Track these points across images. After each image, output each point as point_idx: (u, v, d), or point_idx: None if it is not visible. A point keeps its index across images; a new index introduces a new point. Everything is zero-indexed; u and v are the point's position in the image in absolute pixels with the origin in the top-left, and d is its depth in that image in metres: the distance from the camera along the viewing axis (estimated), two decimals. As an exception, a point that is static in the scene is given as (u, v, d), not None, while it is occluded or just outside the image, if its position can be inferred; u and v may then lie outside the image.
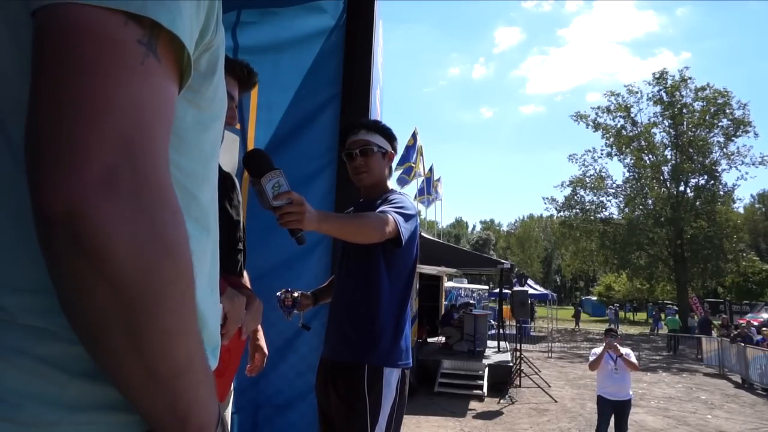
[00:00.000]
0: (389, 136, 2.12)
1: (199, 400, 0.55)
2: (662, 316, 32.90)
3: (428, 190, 16.21)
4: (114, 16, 0.46)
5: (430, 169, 16.37)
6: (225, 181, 1.95)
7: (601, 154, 30.32)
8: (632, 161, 29.79)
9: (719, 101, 28.17)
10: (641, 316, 45.73)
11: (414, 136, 13.32)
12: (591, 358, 6.26)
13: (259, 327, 1.82)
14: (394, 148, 2.16)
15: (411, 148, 13.12)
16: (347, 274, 2.01)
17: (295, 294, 2.09)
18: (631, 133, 29.87)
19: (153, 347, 0.48)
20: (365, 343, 1.90)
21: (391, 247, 1.89)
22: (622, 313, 48.11)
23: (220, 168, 1.80)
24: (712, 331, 18.68)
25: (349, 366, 1.90)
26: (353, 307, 1.97)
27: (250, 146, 2.77)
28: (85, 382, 0.52)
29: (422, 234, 10.62)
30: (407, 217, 1.91)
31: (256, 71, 1.46)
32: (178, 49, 0.51)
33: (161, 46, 0.49)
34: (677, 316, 23.58)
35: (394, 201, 1.98)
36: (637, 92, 30.01)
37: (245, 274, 1.93)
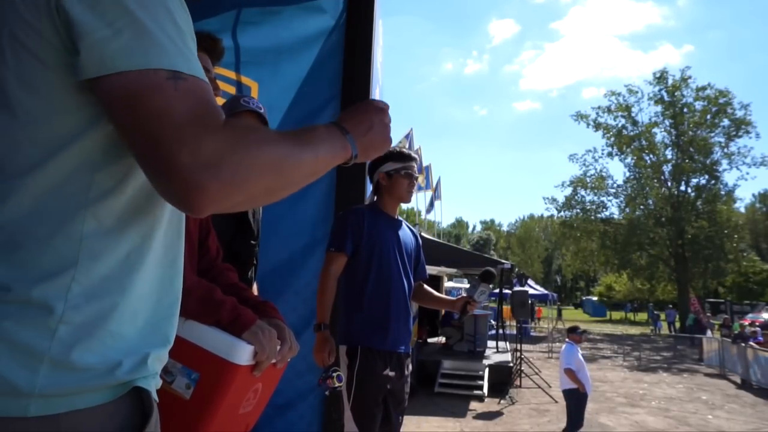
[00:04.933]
0: None
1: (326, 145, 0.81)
2: (661, 316, 32.92)
3: (426, 186, 16.19)
4: (149, 71, 0.65)
5: (427, 168, 16.31)
6: None
7: (602, 153, 30.39)
8: (633, 161, 29.81)
9: (720, 101, 28.18)
10: (642, 316, 45.73)
11: (408, 137, 13.10)
12: (568, 366, 6.13)
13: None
14: None
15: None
16: (404, 275, 2.49)
17: (338, 379, 2.19)
18: (631, 133, 29.89)
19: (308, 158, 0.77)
20: None
21: None
22: (621, 314, 48.17)
23: None
24: (707, 331, 18.74)
25: (410, 354, 2.53)
26: (410, 306, 2.52)
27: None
28: (59, 354, 0.64)
29: (422, 234, 10.62)
30: None
31: (219, 38, 1.48)
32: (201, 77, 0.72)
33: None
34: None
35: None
36: (637, 92, 30.07)
37: (255, 285, 1.92)
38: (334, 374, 2.18)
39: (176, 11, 0.71)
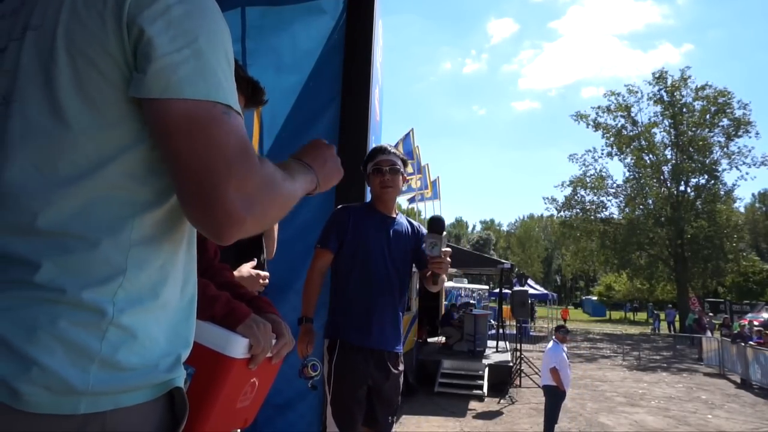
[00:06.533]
0: (405, 161, 2.57)
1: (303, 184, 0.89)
2: (661, 315, 32.93)
3: (424, 185, 16.13)
4: (210, 103, 0.70)
5: (424, 168, 16.19)
6: None
7: (602, 153, 30.38)
8: (632, 161, 29.81)
9: (720, 101, 28.18)
10: (641, 316, 45.73)
11: (407, 137, 13.04)
12: (554, 365, 6.26)
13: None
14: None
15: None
16: (393, 273, 2.45)
17: (312, 369, 2.17)
18: (631, 133, 29.89)
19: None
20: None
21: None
22: (621, 313, 48.17)
23: None
24: (707, 330, 18.78)
25: (399, 354, 2.50)
26: (399, 306, 2.49)
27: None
28: (109, 354, 0.68)
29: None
30: None
31: (263, 88, 1.41)
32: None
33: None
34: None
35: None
36: (637, 92, 30.06)
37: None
38: (309, 363, 2.20)
39: (229, 49, 0.76)
